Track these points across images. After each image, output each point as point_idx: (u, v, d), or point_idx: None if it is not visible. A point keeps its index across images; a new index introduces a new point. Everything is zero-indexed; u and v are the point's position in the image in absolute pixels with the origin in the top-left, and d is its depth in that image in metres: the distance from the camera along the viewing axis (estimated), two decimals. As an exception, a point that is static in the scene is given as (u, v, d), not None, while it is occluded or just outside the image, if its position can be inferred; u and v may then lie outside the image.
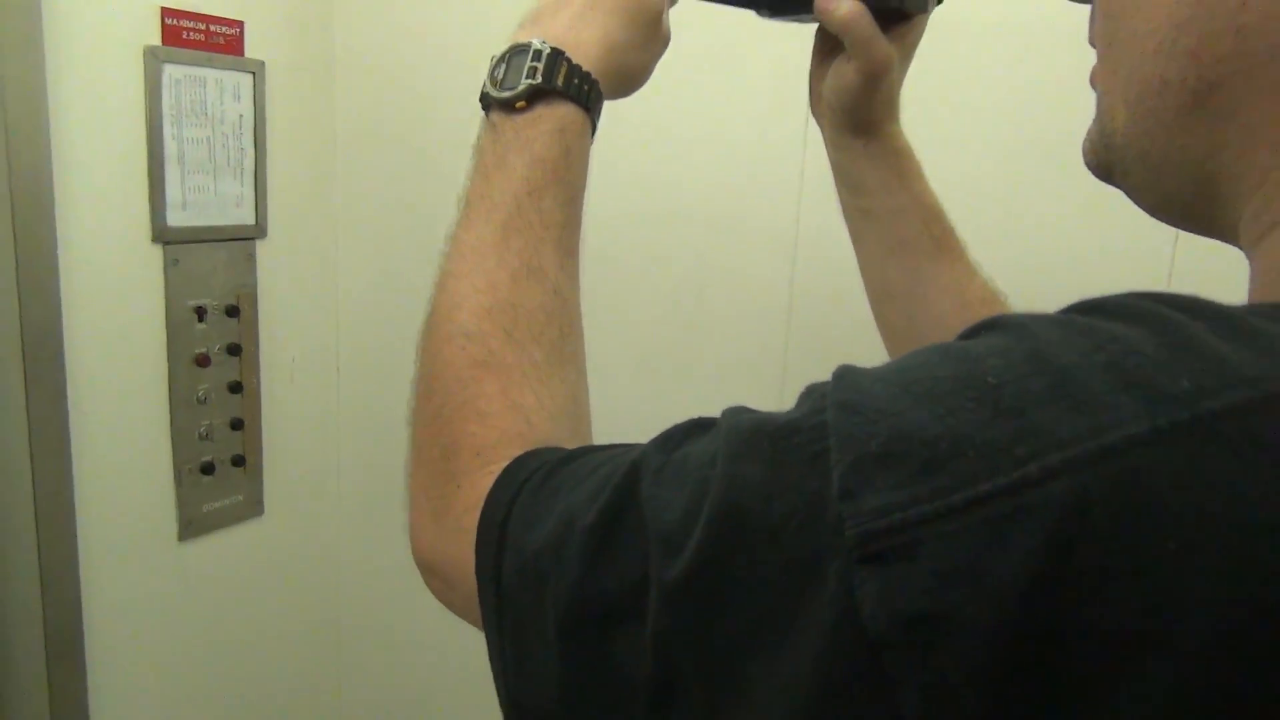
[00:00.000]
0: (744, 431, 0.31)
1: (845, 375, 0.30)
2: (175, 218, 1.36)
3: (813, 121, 0.73)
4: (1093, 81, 0.42)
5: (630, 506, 0.34)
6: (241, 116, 1.44)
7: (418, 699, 1.68)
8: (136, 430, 1.38)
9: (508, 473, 0.42)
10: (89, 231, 1.28)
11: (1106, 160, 0.41)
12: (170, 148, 1.35)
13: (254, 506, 1.56)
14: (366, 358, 1.64)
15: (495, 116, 0.54)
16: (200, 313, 1.42)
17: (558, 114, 0.53)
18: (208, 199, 1.41)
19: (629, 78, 0.59)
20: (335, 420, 1.67)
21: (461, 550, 0.42)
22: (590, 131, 0.56)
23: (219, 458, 1.48)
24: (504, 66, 0.54)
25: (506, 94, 0.53)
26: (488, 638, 0.41)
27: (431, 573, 0.48)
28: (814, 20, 0.64)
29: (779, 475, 0.29)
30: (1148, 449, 0.23)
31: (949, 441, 0.25)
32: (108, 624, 1.38)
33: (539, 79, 0.52)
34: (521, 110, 0.53)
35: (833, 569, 0.26)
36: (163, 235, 1.35)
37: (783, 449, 0.29)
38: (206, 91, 1.39)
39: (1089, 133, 0.42)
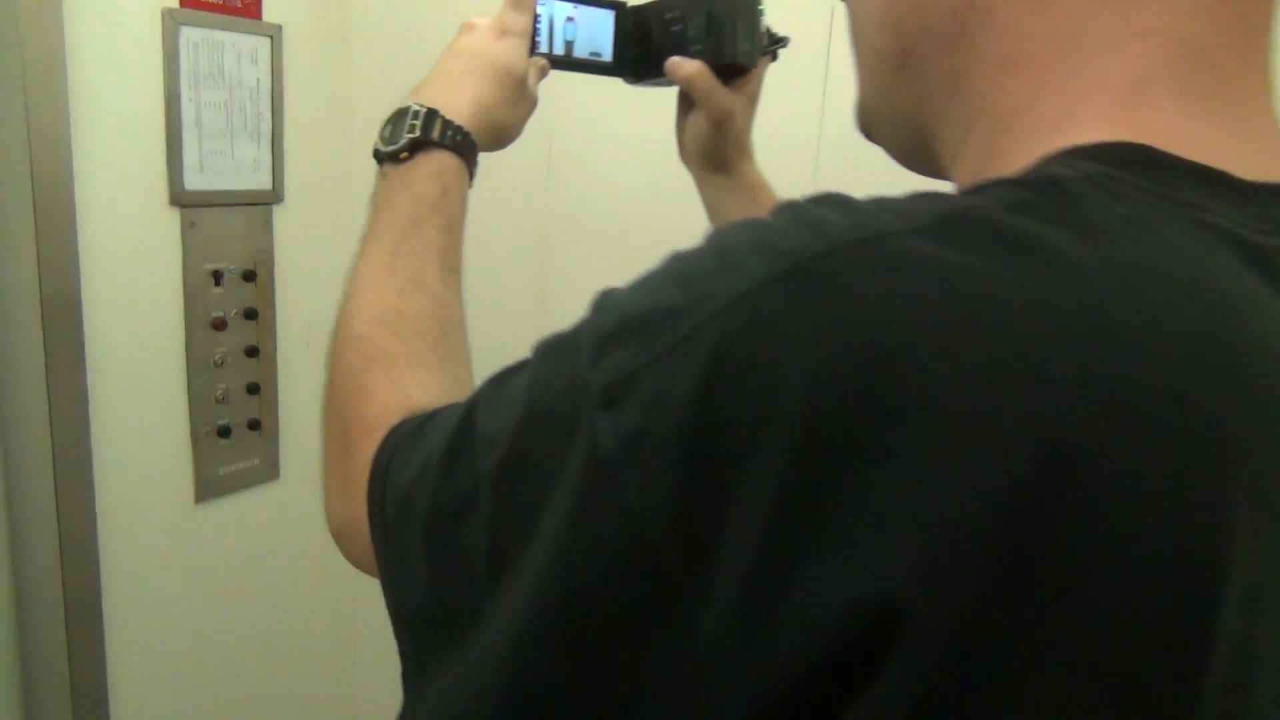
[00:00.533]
0: (543, 347, 0.40)
1: (604, 291, 0.39)
2: (192, 181, 1.36)
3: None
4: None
5: (468, 429, 0.42)
6: (259, 80, 1.44)
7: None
8: (154, 393, 1.39)
9: (387, 436, 0.51)
10: (107, 194, 1.28)
11: (864, 124, 0.50)
12: (187, 111, 1.34)
13: (270, 470, 1.57)
14: (382, 324, 1.64)
15: (385, 168, 0.66)
16: (217, 277, 1.43)
17: (435, 160, 0.64)
18: (224, 163, 1.41)
19: (501, 131, 0.71)
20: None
21: (359, 508, 0.50)
22: (467, 174, 0.67)
23: (235, 421, 1.49)
24: (390, 127, 0.66)
25: (392, 147, 0.65)
26: (379, 565, 0.49)
27: (343, 537, 0.55)
28: (670, 83, 0.75)
29: (556, 369, 0.38)
30: (767, 291, 0.32)
31: (653, 313, 0.34)
32: (126, 584, 1.40)
33: (418, 133, 0.64)
34: (405, 160, 0.64)
35: (584, 420, 0.35)
36: (180, 199, 1.35)
37: (560, 350, 0.38)
38: (224, 55, 1.38)
39: (855, 103, 0.50)
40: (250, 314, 1.48)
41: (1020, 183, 0.34)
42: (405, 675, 0.49)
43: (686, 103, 0.78)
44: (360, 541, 0.51)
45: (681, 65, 0.73)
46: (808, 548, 0.30)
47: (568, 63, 0.75)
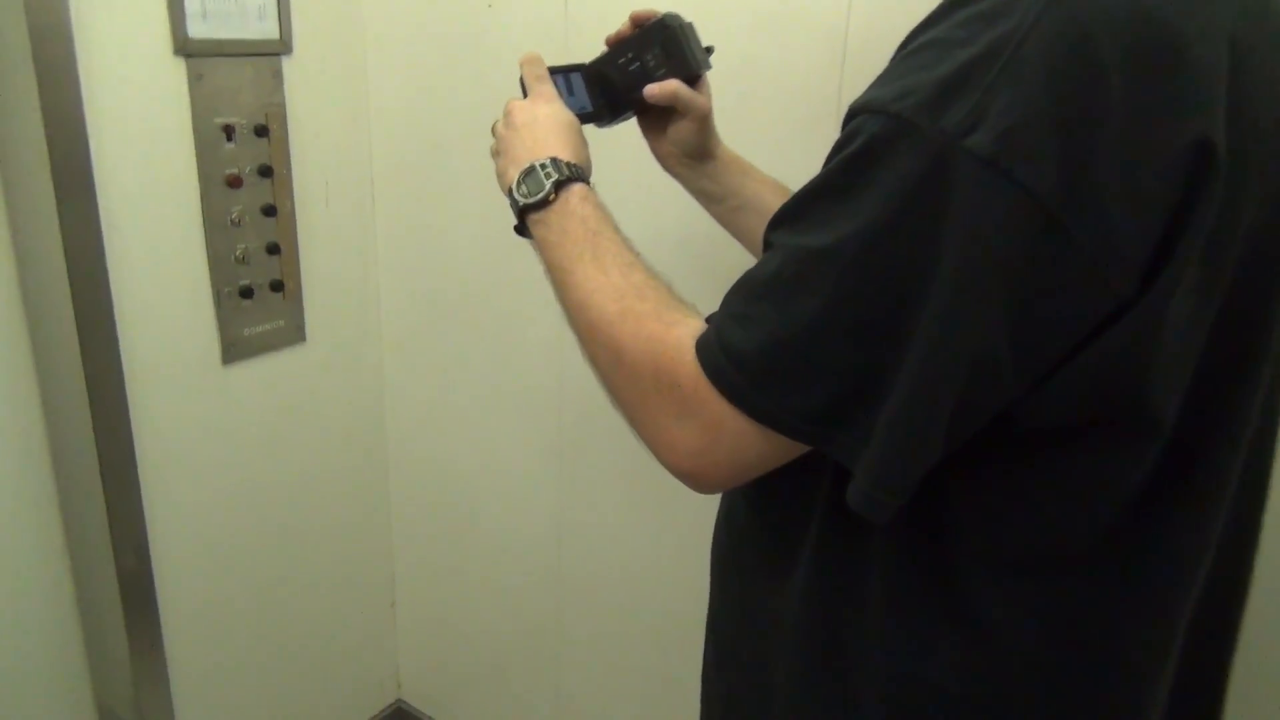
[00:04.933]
0: (844, 165, 0.56)
1: (873, 100, 0.57)
2: (196, 29, 1.31)
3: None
4: None
5: (812, 251, 0.57)
6: (258, -81, 1.36)
7: (468, 522, 1.72)
8: (172, 252, 1.37)
9: (700, 343, 0.61)
10: (108, 41, 1.23)
11: None
12: (185, -48, 1.28)
13: (296, 332, 1.56)
14: (402, 181, 1.59)
15: (537, 216, 0.77)
16: (229, 132, 1.38)
17: (576, 190, 0.76)
18: (228, 8, 1.34)
19: (589, 167, 0.82)
20: (373, 245, 1.65)
21: (710, 409, 0.60)
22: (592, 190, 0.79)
23: (257, 282, 1.47)
24: (523, 185, 0.78)
25: (540, 195, 0.76)
26: (751, 413, 0.59)
27: (704, 454, 0.61)
28: (637, 112, 0.95)
29: (889, 160, 0.54)
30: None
31: (971, 63, 0.52)
32: (160, 446, 1.41)
33: (555, 175, 0.76)
34: (553, 202, 0.76)
35: (951, 158, 0.51)
36: (184, 47, 1.30)
37: (872, 152, 0.55)
38: (219, -111, 1.30)
39: None
40: (265, 171, 1.44)
41: None
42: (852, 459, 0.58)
43: (656, 124, 0.96)
44: (723, 447, 0.60)
45: (664, 87, 0.91)
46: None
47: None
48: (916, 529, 0.63)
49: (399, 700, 1.95)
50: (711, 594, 0.87)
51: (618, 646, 1.58)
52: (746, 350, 0.58)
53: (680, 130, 0.94)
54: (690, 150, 0.96)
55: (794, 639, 0.72)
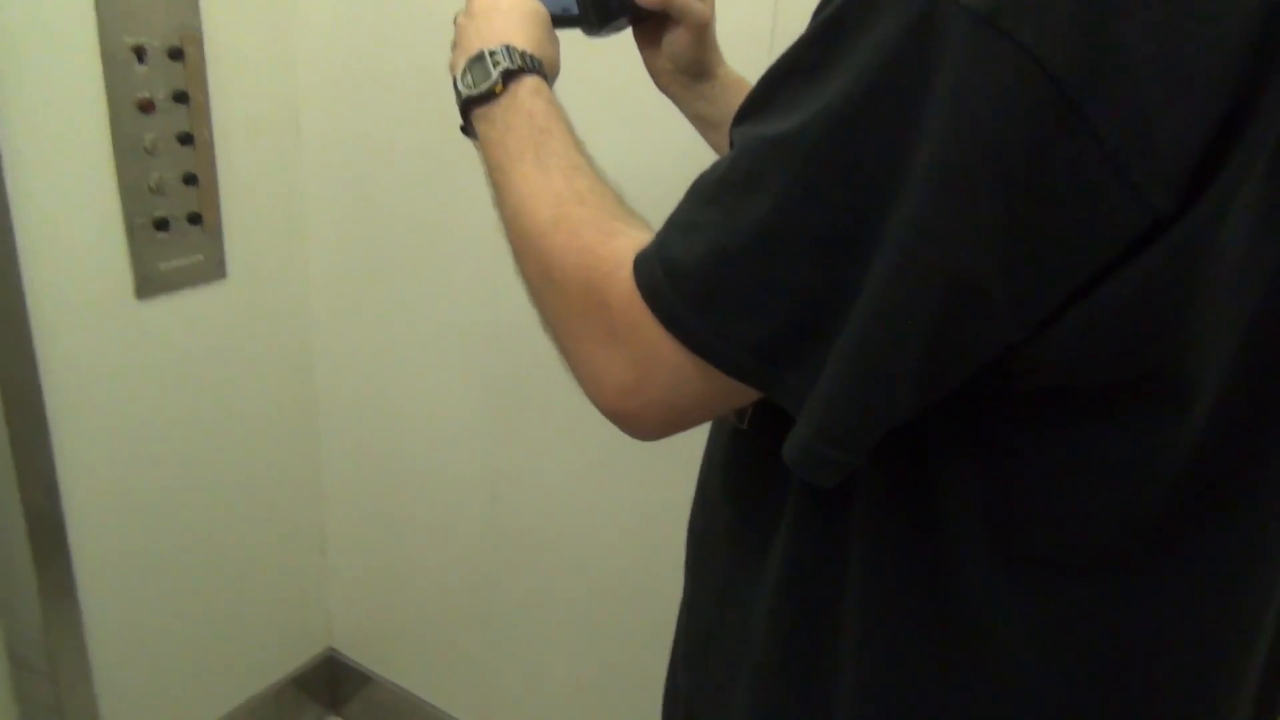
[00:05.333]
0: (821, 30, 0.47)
1: None
2: (99, -61, 1.23)
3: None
4: None
5: (773, 142, 0.47)
6: None
7: (402, 468, 1.68)
8: (81, 179, 1.30)
9: (639, 259, 0.51)
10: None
11: None
12: None
13: (216, 268, 1.50)
14: (330, 109, 1.53)
15: (482, 110, 0.67)
16: (140, 54, 1.31)
17: (527, 83, 0.66)
18: (135, -81, 1.27)
19: (551, 65, 0.72)
20: (299, 177, 1.58)
21: (644, 334, 0.50)
22: (550, 87, 0.69)
23: (173, 214, 1.41)
24: (469, 74, 0.67)
25: (485, 85, 0.66)
26: (694, 342, 0.49)
27: (631, 394, 0.52)
28: (628, 24, 0.83)
29: (872, 34, 0.44)
30: None
31: None
32: (71, 382, 1.35)
33: (504, 64, 0.66)
34: (500, 94, 0.66)
35: (942, 18, 0.41)
36: (87, -41, 1.23)
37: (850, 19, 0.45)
38: None
39: None
40: (180, 97, 1.37)
41: None
42: (792, 396, 0.49)
43: (651, 36, 0.85)
44: (657, 383, 0.51)
45: None
46: None
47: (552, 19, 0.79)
48: (901, 516, 0.53)
49: (330, 649, 1.92)
50: (686, 582, 0.77)
51: (557, 600, 1.55)
52: (686, 264, 0.48)
53: (676, 41, 0.83)
54: (686, 66, 0.85)
55: (762, 639, 0.62)
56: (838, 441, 0.46)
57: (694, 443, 1.31)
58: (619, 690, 1.52)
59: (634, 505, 1.40)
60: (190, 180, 1.41)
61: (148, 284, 1.41)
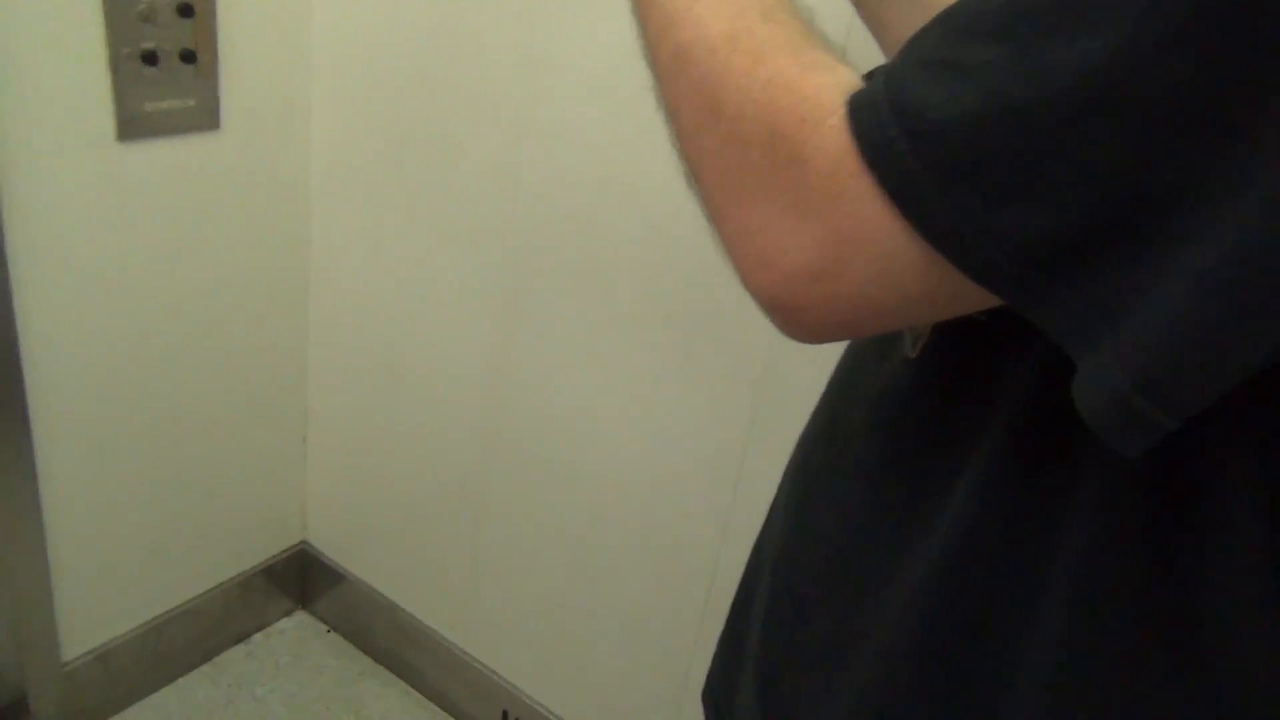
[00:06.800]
0: None
1: None
2: None
3: None
4: None
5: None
6: None
7: (394, 358, 1.55)
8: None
9: (853, 103, 0.37)
10: None
11: None
12: None
13: (208, 117, 1.33)
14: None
15: None
16: None
17: None
18: None
19: None
20: (306, 22, 1.41)
21: (850, 211, 0.37)
22: None
23: (163, 48, 1.24)
24: None
25: None
26: (935, 234, 0.36)
27: (821, 278, 0.39)
28: None
29: None
30: None
31: None
32: (36, 226, 1.20)
33: None
34: None
35: None
36: None
37: None
38: None
39: None
40: (180, -89, 1.20)
41: None
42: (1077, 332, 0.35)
43: None
44: (855, 272, 0.38)
45: None
46: None
47: None
48: (1152, 506, 0.41)
49: (304, 543, 1.81)
50: (776, 521, 0.63)
51: (546, 518, 1.44)
52: (940, 119, 0.35)
53: None
54: None
55: (901, 614, 0.49)
56: (1168, 396, 0.33)
57: (724, 361, 1.19)
58: (603, 619, 1.42)
59: (647, 424, 1.29)
60: (186, 11, 1.24)
61: (131, 126, 1.24)
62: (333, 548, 1.79)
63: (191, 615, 1.65)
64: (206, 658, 1.71)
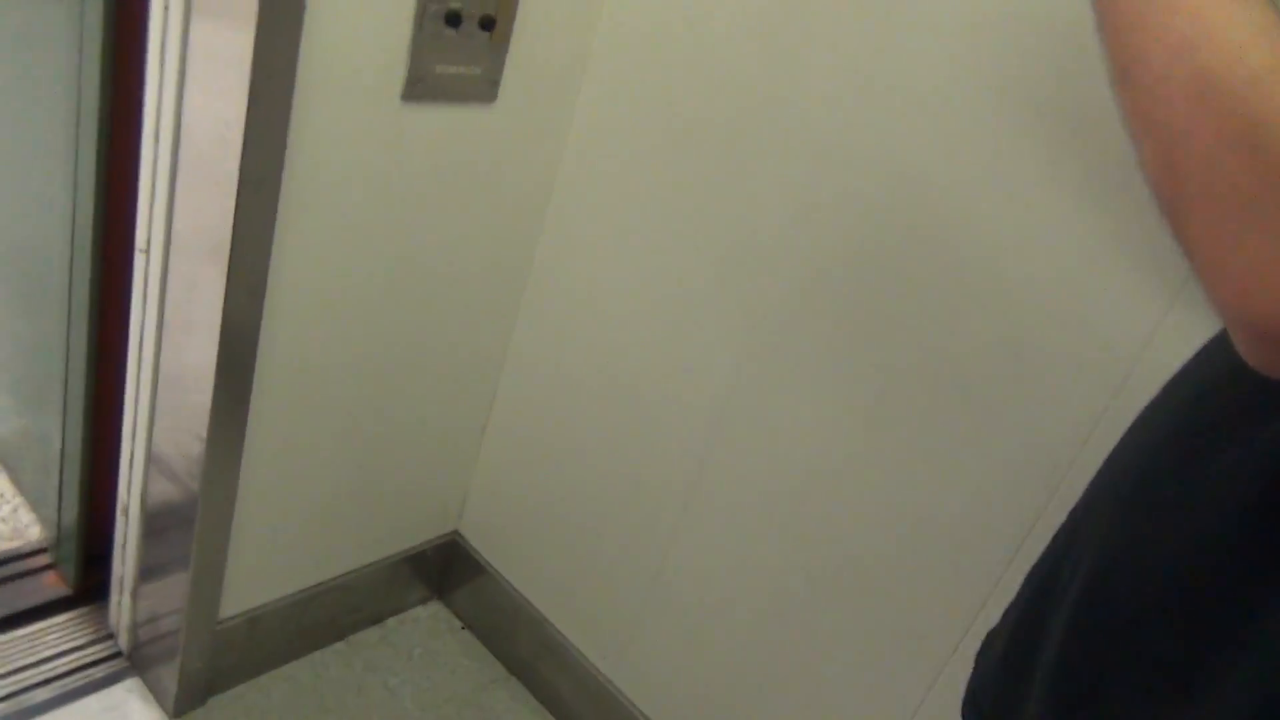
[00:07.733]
0: None
1: None
2: None
3: None
4: None
5: None
6: None
7: (594, 357, 1.46)
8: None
9: None
10: None
11: None
12: None
13: (489, 88, 1.26)
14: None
15: None
16: None
17: None
18: None
19: None
20: (594, 20, 1.33)
21: None
22: None
23: (468, 10, 1.17)
24: None
25: None
26: None
27: None
28: None
29: None
30: None
31: None
32: (310, 171, 1.13)
33: None
34: None
35: None
36: None
37: None
38: None
39: None
40: (518, -128, 1.13)
41: None
42: None
43: None
44: None
45: None
46: None
47: None
48: None
49: (455, 532, 1.74)
50: (1081, 518, 0.67)
51: (754, 567, 1.35)
52: None
53: None
54: None
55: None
56: None
57: (1021, 448, 1.07)
58: (798, 697, 1.33)
59: (906, 506, 1.19)
60: (496, -26, 1.17)
61: (417, 86, 1.18)
62: (485, 543, 1.71)
63: (340, 590, 1.58)
64: (341, 635, 1.65)
